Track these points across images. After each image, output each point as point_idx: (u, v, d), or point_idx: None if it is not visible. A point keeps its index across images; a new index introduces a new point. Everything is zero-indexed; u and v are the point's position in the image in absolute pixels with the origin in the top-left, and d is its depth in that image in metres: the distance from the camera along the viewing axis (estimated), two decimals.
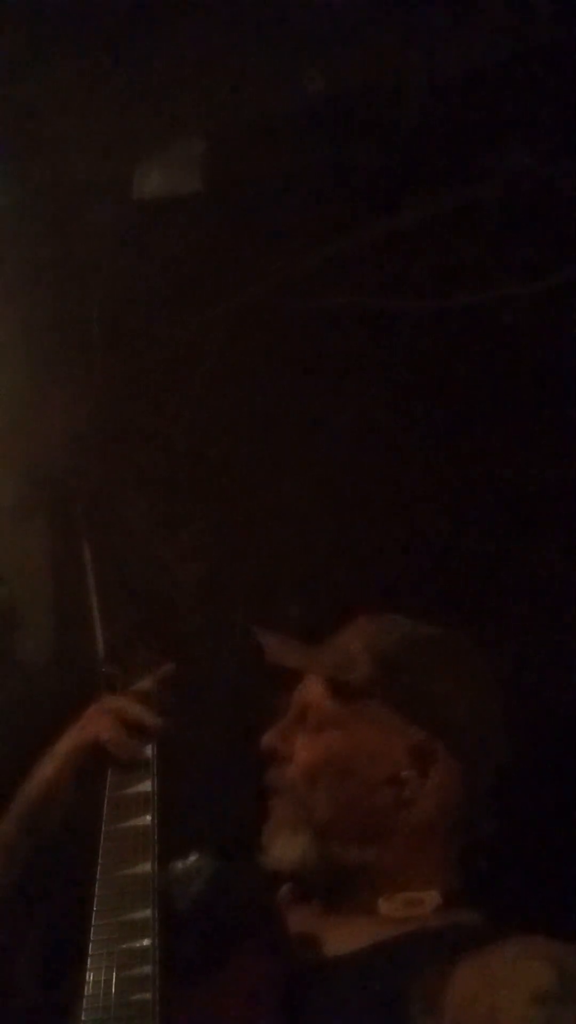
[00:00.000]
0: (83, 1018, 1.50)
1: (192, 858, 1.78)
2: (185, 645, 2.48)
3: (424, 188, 2.54)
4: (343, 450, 2.66)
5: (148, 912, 1.59)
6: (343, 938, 1.85)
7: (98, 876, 1.68)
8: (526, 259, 2.53)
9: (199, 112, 2.54)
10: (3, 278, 2.58)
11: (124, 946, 1.56)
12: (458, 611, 2.45)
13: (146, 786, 1.84)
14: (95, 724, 1.99)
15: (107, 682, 2.18)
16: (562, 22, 2.37)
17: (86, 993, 1.52)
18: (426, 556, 2.59)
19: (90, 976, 1.53)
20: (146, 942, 1.56)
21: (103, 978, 1.53)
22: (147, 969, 1.53)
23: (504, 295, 2.55)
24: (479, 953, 1.72)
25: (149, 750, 1.93)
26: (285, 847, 1.93)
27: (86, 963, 1.56)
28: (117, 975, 1.53)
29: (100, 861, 1.70)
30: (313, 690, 2.03)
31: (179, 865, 1.77)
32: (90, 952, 1.56)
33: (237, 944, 1.74)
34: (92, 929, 1.58)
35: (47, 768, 1.96)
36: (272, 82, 2.49)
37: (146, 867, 1.67)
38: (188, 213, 2.59)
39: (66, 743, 1.99)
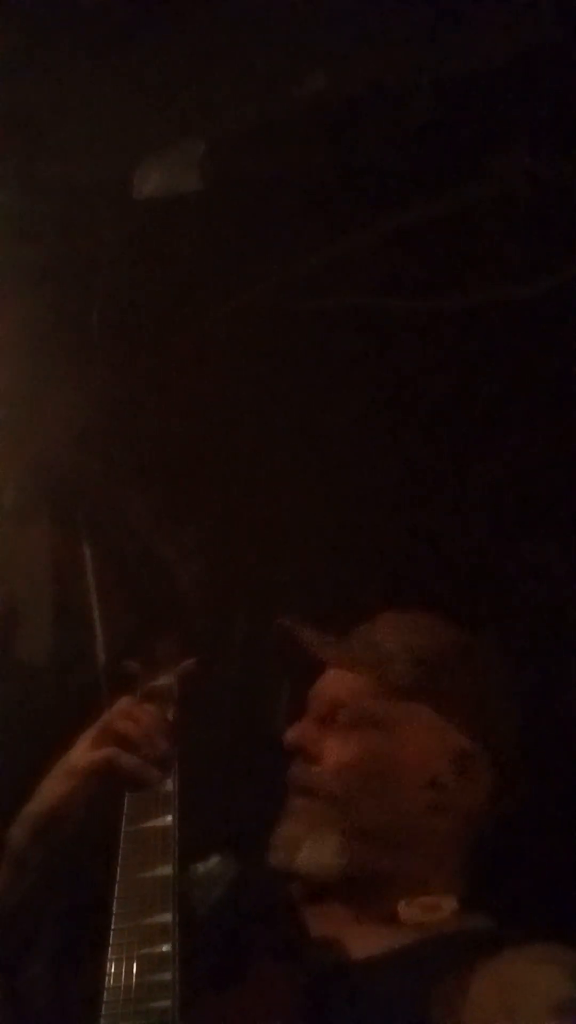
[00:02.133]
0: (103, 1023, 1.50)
1: (213, 860, 1.77)
2: (188, 644, 2.48)
3: (424, 188, 2.54)
4: (343, 449, 2.66)
5: (168, 917, 1.59)
6: (360, 943, 1.85)
7: (117, 878, 1.66)
8: (526, 259, 2.53)
9: (199, 112, 2.53)
10: (4, 278, 2.58)
11: (144, 951, 1.55)
12: (460, 612, 2.46)
13: (167, 786, 1.83)
14: (111, 750, 1.94)
15: (126, 677, 2.15)
16: (562, 22, 2.37)
17: (105, 999, 1.51)
18: (426, 556, 2.59)
19: (109, 981, 1.52)
20: (166, 948, 1.55)
21: (122, 984, 1.52)
22: (167, 975, 1.53)
23: (504, 295, 2.55)
24: (496, 959, 1.72)
25: None
26: (315, 850, 1.91)
27: (104, 966, 1.56)
28: (136, 981, 1.52)
29: (120, 863, 1.69)
30: (345, 686, 2.01)
31: (200, 868, 1.76)
32: (109, 957, 1.55)
33: (258, 947, 1.74)
34: (111, 933, 1.58)
35: (61, 784, 1.93)
36: (272, 82, 2.49)
37: (167, 870, 1.66)
38: (188, 213, 2.58)
39: (81, 760, 1.95)
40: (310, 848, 1.91)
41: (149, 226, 2.59)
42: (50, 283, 2.60)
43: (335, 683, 2.03)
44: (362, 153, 2.51)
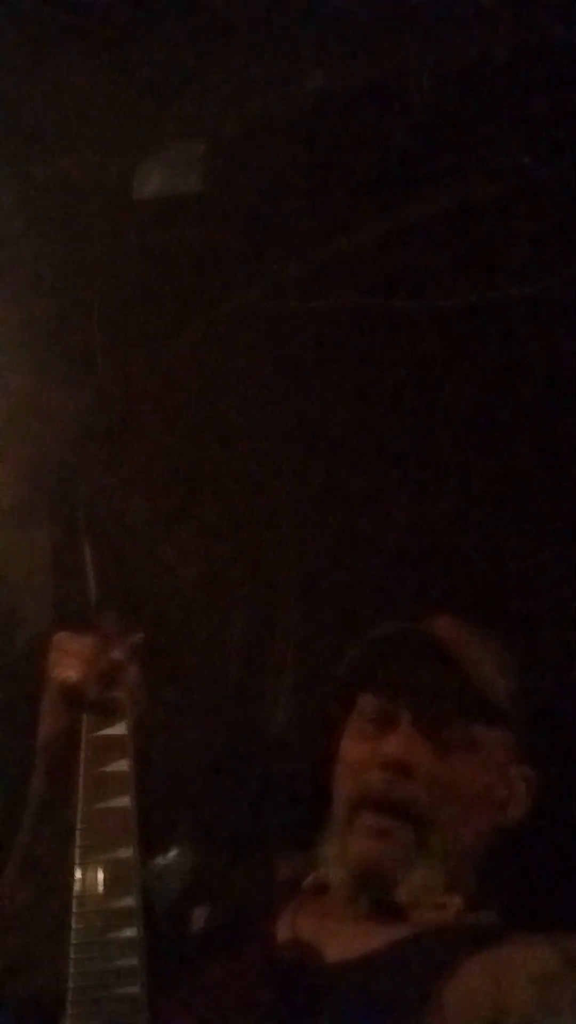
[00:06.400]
0: (69, 1011, 1.49)
1: (172, 853, 1.76)
2: (185, 644, 2.48)
3: (424, 188, 2.53)
4: (343, 449, 2.65)
5: (132, 901, 1.57)
6: (357, 938, 1.84)
7: (77, 860, 1.65)
8: (526, 259, 2.52)
9: (199, 112, 2.53)
10: (3, 278, 2.58)
11: (109, 936, 1.54)
12: (460, 611, 2.44)
13: (123, 765, 1.81)
14: (61, 667, 1.99)
15: None
16: (562, 22, 2.36)
17: (71, 985, 1.50)
18: (426, 556, 2.58)
19: (74, 967, 1.51)
20: (130, 932, 1.54)
21: (88, 969, 1.51)
22: (133, 961, 1.51)
23: (504, 295, 2.54)
24: (486, 945, 1.73)
25: (123, 727, 1.90)
26: (426, 884, 1.88)
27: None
28: (104, 966, 1.51)
29: (79, 842, 1.67)
30: (444, 703, 1.95)
31: (159, 861, 1.75)
32: (72, 941, 1.54)
33: (220, 940, 1.73)
34: (73, 916, 1.56)
35: (43, 715, 2.01)
36: (272, 82, 2.49)
37: (128, 852, 1.64)
38: (188, 213, 2.58)
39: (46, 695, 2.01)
40: (421, 879, 1.89)
41: (149, 226, 2.59)
42: (50, 283, 2.59)
43: (436, 699, 1.98)
44: (362, 153, 2.51)
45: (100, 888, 1.59)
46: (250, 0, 2.42)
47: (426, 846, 1.89)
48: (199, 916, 1.77)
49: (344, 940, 1.85)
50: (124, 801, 1.73)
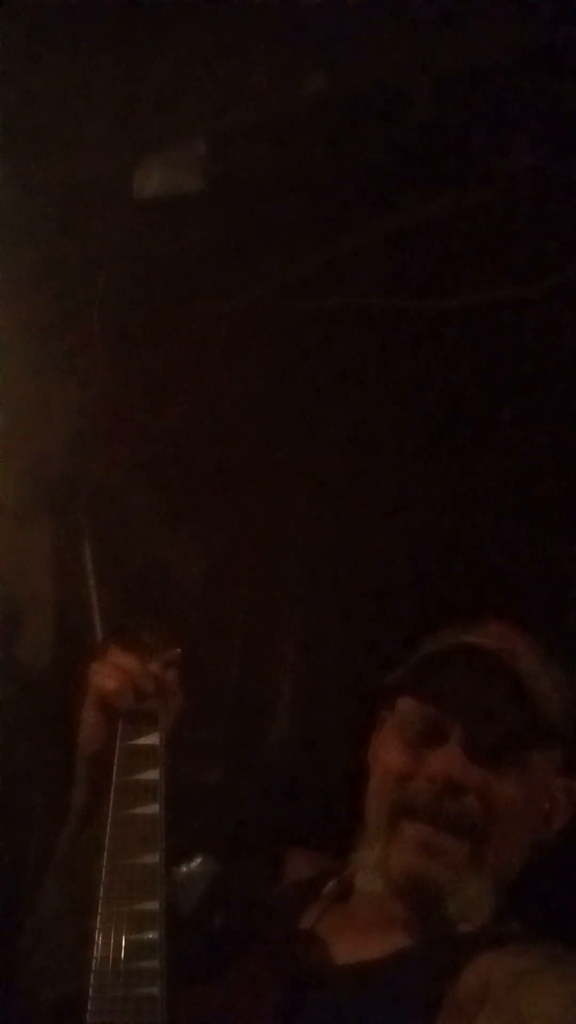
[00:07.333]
0: (90, 1008, 1.50)
1: (196, 861, 1.77)
2: (187, 644, 2.48)
3: (424, 188, 2.54)
4: (343, 449, 2.66)
5: (155, 904, 1.58)
6: (377, 943, 1.84)
7: (105, 863, 1.66)
8: (526, 259, 2.53)
9: (200, 112, 2.54)
10: (4, 278, 2.58)
11: (132, 937, 1.55)
12: (460, 610, 2.45)
13: (154, 774, 1.82)
14: (100, 678, 2.00)
15: None
16: (562, 22, 2.37)
17: (92, 982, 1.51)
18: (426, 555, 2.59)
19: (96, 964, 1.52)
20: (153, 935, 1.55)
21: (110, 968, 1.52)
22: (154, 963, 1.52)
23: (504, 295, 2.55)
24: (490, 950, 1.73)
25: (156, 737, 1.91)
26: (477, 900, 1.86)
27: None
28: (124, 967, 1.52)
29: (107, 847, 1.69)
30: (500, 723, 1.91)
31: (183, 868, 1.76)
32: (97, 940, 1.55)
33: (241, 947, 1.73)
34: (99, 916, 1.57)
35: (85, 724, 1.99)
36: (273, 82, 2.49)
37: (153, 858, 1.65)
38: (188, 213, 2.58)
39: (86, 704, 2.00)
40: (473, 897, 1.86)
41: (149, 226, 2.59)
42: (50, 283, 2.60)
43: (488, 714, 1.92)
44: (362, 153, 2.52)
45: (125, 891, 1.60)
46: (251, 1, 2.42)
47: (479, 861, 1.86)
48: (219, 921, 1.77)
49: (364, 945, 1.85)
50: (153, 809, 1.74)
